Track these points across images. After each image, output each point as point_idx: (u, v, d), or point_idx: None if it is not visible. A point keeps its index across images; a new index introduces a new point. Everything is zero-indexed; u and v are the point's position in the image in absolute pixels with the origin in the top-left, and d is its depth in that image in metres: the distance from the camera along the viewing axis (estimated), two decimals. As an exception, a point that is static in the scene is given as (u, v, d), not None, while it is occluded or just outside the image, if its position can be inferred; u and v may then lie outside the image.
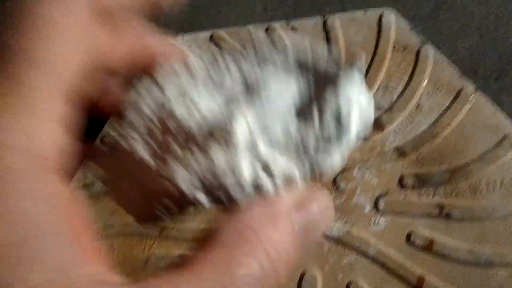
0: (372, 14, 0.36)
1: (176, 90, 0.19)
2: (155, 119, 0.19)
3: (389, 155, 0.32)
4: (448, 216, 0.30)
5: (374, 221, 0.30)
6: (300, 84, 0.19)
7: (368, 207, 0.30)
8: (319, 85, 0.19)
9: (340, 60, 0.19)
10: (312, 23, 0.36)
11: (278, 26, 0.36)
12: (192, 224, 0.31)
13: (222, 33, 0.36)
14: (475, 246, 0.29)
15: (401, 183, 0.31)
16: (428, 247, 0.29)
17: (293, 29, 0.36)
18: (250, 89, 0.19)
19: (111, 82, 0.19)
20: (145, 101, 0.19)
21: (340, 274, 0.29)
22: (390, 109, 0.33)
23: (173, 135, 0.18)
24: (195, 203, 0.18)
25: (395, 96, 0.34)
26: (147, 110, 0.19)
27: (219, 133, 0.17)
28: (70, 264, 0.12)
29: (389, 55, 0.35)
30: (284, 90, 0.19)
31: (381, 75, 0.34)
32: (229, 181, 0.17)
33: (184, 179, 0.18)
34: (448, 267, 0.29)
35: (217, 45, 0.36)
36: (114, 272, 0.13)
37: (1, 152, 0.13)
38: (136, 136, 0.18)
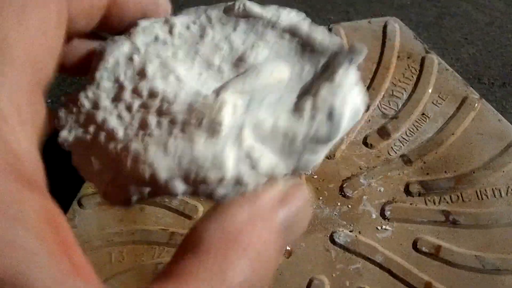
0: (377, 23, 0.36)
1: (158, 61, 0.18)
2: (130, 89, 0.17)
3: (395, 163, 0.32)
4: (454, 223, 0.30)
5: (381, 228, 0.30)
6: (298, 68, 0.18)
7: (374, 214, 0.31)
8: (321, 72, 0.17)
9: (342, 44, 0.17)
10: (317, 32, 0.36)
11: (284, 35, 0.36)
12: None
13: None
14: (481, 252, 0.29)
15: (407, 190, 0.31)
16: (435, 253, 0.29)
17: (299, 38, 0.36)
18: (241, 71, 0.18)
19: (76, 42, 0.17)
20: (120, 67, 0.18)
21: (347, 280, 0.29)
22: (395, 117, 0.33)
23: (152, 114, 0.17)
24: (171, 192, 0.16)
25: (400, 104, 0.34)
26: (122, 77, 0.17)
27: (207, 122, 0.16)
28: (62, 283, 0.11)
29: (393, 63, 0.35)
30: (277, 76, 0.18)
31: (386, 83, 0.34)
32: (212, 175, 0.16)
33: (164, 165, 0.16)
34: (455, 273, 0.29)
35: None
36: (105, 287, 0.12)
37: None
38: (108, 104, 0.17)
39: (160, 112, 0.16)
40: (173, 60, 0.18)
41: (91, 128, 0.17)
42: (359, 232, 0.30)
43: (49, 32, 0.14)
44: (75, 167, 0.17)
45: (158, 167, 0.16)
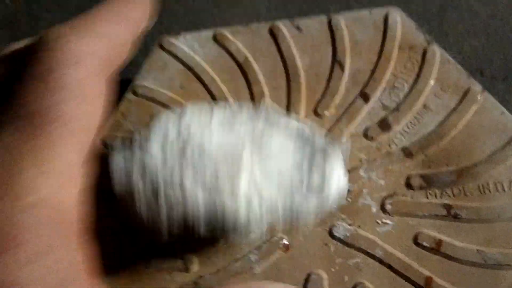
0: (378, 13, 0.36)
1: (199, 127, 0.22)
2: (174, 147, 0.21)
3: (395, 156, 0.31)
4: (456, 217, 0.29)
5: (381, 222, 0.30)
6: (296, 150, 0.23)
7: (375, 208, 0.30)
8: (312, 153, 0.23)
9: (331, 141, 0.24)
10: (317, 22, 0.36)
11: (282, 25, 0.36)
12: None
13: (225, 32, 0.36)
14: (483, 247, 0.29)
15: (408, 183, 0.31)
16: (436, 248, 0.29)
17: (298, 28, 0.36)
18: (256, 140, 0.23)
19: None
20: (169, 129, 0.22)
21: (346, 275, 0.29)
22: (396, 109, 0.33)
23: (188, 170, 0.21)
24: (195, 235, 0.22)
25: (402, 96, 0.33)
26: (171, 136, 0.21)
27: (227, 184, 0.21)
28: None
29: (395, 54, 0.34)
30: (284, 149, 0.23)
31: (387, 75, 0.34)
32: (229, 223, 0.21)
33: (192, 214, 0.21)
34: (456, 268, 0.28)
35: (221, 44, 0.36)
36: None
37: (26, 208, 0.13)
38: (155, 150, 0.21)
39: (193, 169, 0.21)
40: (206, 123, 0.22)
41: (138, 175, 0.22)
42: (359, 226, 0.30)
43: (97, 111, 0.17)
44: (120, 212, 0.23)
45: (188, 214, 0.21)
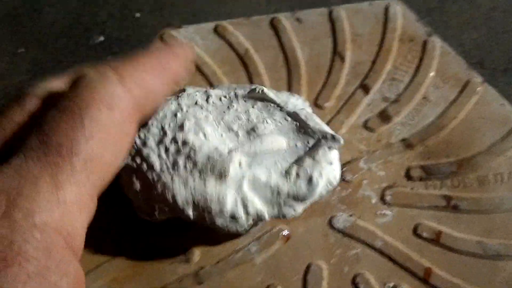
0: (378, 5, 0.36)
1: (194, 120, 0.23)
2: (170, 137, 0.22)
3: (395, 147, 0.31)
4: (455, 208, 0.30)
5: (381, 213, 0.30)
6: (292, 143, 0.24)
7: (374, 199, 0.30)
8: (308, 150, 0.24)
9: (328, 136, 0.24)
10: (318, 14, 0.36)
11: (283, 18, 0.36)
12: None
13: (226, 24, 0.36)
14: (483, 238, 0.29)
15: (408, 175, 0.31)
16: (436, 239, 0.29)
17: (298, 20, 0.36)
18: (251, 138, 0.24)
19: None
20: (166, 119, 0.23)
21: (346, 266, 0.29)
22: (396, 100, 0.33)
23: (182, 157, 0.22)
24: (183, 216, 0.23)
25: (402, 88, 0.33)
26: (166, 127, 0.23)
27: (218, 169, 0.22)
28: None
29: (395, 46, 0.34)
30: (276, 146, 0.24)
31: (388, 66, 0.34)
32: (214, 207, 0.22)
33: (182, 194, 0.22)
34: (456, 259, 0.28)
35: (222, 36, 0.36)
36: None
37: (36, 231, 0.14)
38: (153, 145, 0.22)
39: (187, 157, 0.22)
40: (204, 121, 0.23)
41: (138, 159, 0.23)
42: (359, 217, 0.30)
43: (120, 141, 0.18)
44: (121, 185, 0.24)
45: (178, 196, 0.22)
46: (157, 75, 0.20)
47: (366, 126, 0.32)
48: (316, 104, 0.33)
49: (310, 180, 0.23)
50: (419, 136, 0.32)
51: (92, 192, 0.16)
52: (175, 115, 0.24)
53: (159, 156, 0.22)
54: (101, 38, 0.42)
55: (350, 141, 0.32)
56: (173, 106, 0.24)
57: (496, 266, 0.28)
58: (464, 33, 0.39)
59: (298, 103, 0.26)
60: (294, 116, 0.25)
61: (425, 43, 0.34)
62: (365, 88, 0.33)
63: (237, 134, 0.24)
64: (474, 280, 0.28)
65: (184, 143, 0.23)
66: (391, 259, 0.29)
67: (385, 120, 0.32)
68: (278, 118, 0.25)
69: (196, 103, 0.24)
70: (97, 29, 0.43)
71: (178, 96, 0.25)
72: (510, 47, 0.39)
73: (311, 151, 0.24)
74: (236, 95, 0.25)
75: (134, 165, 0.23)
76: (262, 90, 0.25)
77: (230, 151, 0.23)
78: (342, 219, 0.30)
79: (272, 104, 0.25)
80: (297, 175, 0.23)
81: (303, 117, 0.25)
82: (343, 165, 0.31)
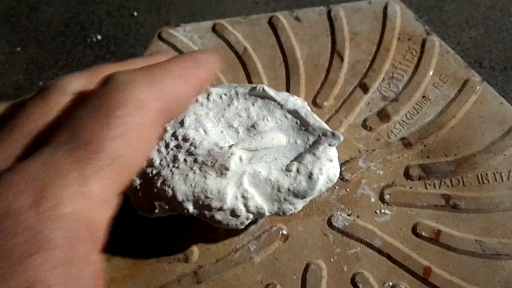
0: (377, 3, 0.35)
1: (194, 116, 0.23)
2: (170, 132, 0.22)
3: (394, 146, 0.31)
4: (454, 207, 0.29)
5: (380, 212, 0.30)
6: (292, 140, 0.24)
7: (373, 198, 0.30)
8: (309, 147, 0.24)
9: (328, 134, 0.24)
10: (316, 13, 0.36)
11: (282, 16, 0.36)
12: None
13: (225, 23, 0.36)
14: (482, 237, 0.29)
15: (407, 174, 0.31)
16: (435, 238, 0.29)
17: (297, 19, 0.36)
18: (251, 135, 0.24)
19: None
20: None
21: (345, 265, 0.29)
22: (395, 99, 0.33)
23: (182, 152, 0.22)
24: (183, 211, 0.23)
25: (401, 87, 0.33)
26: (166, 124, 0.23)
27: (218, 163, 0.22)
28: None
29: (394, 45, 0.34)
30: (276, 143, 0.24)
31: (386, 65, 0.34)
32: (214, 204, 0.22)
33: (182, 189, 0.22)
34: (455, 258, 0.28)
35: (220, 35, 0.35)
36: None
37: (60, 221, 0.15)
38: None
39: (187, 152, 0.22)
40: (205, 118, 0.23)
41: None
42: (358, 216, 0.30)
43: (146, 142, 0.18)
44: None
45: (178, 190, 0.22)
46: (183, 82, 0.20)
47: (365, 125, 0.32)
48: (315, 103, 0.33)
49: (310, 176, 0.23)
50: (418, 135, 0.32)
51: (115, 189, 0.17)
52: None
53: (159, 151, 0.22)
54: (99, 37, 0.42)
55: (349, 140, 0.32)
56: None
57: (495, 265, 0.28)
58: (463, 32, 0.39)
59: (298, 102, 0.26)
60: (294, 113, 0.25)
61: (424, 42, 0.34)
62: (364, 87, 0.33)
63: (237, 131, 0.24)
64: (473, 279, 0.28)
65: (184, 138, 0.22)
66: (390, 258, 0.29)
67: (384, 119, 0.32)
68: (278, 116, 0.25)
69: (196, 100, 0.24)
70: (94, 28, 0.43)
71: None
72: (509, 46, 0.39)
73: (312, 148, 0.24)
74: (236, 93, 0.25)
75: None
76: (263, 88, 0.25)
77: (230, 146, 0.23)
78: (341, 218, 0.30)
79: (272, 102, 0.25)
80: (298, 171, 0.23)
81: (303, 114, 0.25)
82: (342, 164, 0.31)
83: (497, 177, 0.30)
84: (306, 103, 0.26)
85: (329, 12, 0.35)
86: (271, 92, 0.25)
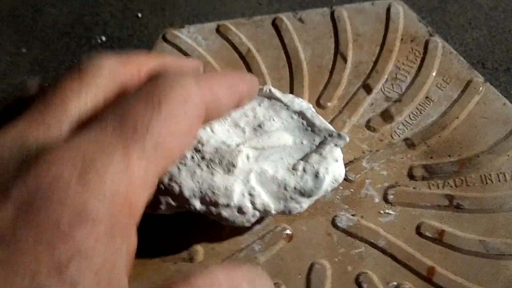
0: (380, 5, 0.36)
1: None
2: None
3: (398, 147, 0.32)
4: (458, 207, 0.30)
5: (384, 212, 0.30)
6: (298, 140, 0.24)
7: (377, 199, 0.30)
8: (315, 148, 0.24)
9: (333, 135, 0.25)
10: (320, 14, 0.36)
11: (285, 18, 0.36)
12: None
13: (228, 24, 0.36)
14: (486, 237, 0.29)
15: (410, 174, 0.31)
16: (439, 238, 0.29)
17: (300, 20, 0.36)
18: (257, 135, 0.24)
19: None
20: None
21: (349, 265, 0.29)
22: (399, 100, 0.33)
23: (190, 151, 0.22)
24: (190, 207, 0.23)
25: (404, 88, 0.33)
26: None
27: (226, 161, 0.22)
28: None
29: (397, 46, 0.35)
30: (282, 142, 0.24)
31: (389, 66, 0.34)
32: (221, 200, 0.22)
33: (189, 186, 0.22)
34: (459, 258, 0.28)
35: (224, 36, 0.36)
36: None
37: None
38: None
39: (195, 150, 0.22)
40: None
41: None
42: (362, 216, 0.30)
43: (186, 136, 0.19)
44: None
45: (185, 187, 0.22)
46: (226, 90, 0.21)
47: (368, 125, 0.32)
48: (319, 104, 0.33)
49: (316, 176, 0.24)
50: (421, 136, 0.32)
51: (155, 173, 0.17)
52: None
53: None
54: (103, 38, 0.43)
55: (352, 141, 0.32)
56: None
57: (499, 265, 0.28)
58: (466, 33, 0.40)
59: (303, 104, 0.26)
60: (300, 114, 0.25)
61: (427, 43, 0.34)
62: (367, 88, 0.33)
63: (243, 130, 0.24)
64: (477, 279, 0.28)
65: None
66: (394, 258, 0.29)
67: (388, 119, 0.32)
68: (284, 116, 0.25)
69: None
70: (99, 29, 0.43)
71: None
72: None
73: (318, 148, 0.24)
74: None
75: None
76: (269, 90, 0.25)
77: (238, 144, 0.23)
78: (345, 219, 0.30)
79: (278, 103, 0.25)
80: (304, 170, 0.24)
81: (309, 116, 0.25)
82: (346, 165, 0.31)
83: (501, 177, 0.30)
84: (311, 105, 0.27)
85: (332, 13, 0.36)
86: (277, 93, 0.26)
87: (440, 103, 0.33)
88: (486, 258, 0.28)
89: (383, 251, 0.29)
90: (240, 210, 0.23)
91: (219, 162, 0.22)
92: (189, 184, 0.22)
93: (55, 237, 0.14)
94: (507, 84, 0.37)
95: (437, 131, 0.32)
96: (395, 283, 0.28)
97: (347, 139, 0.24)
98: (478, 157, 0.31)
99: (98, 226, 0.15)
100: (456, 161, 0.31)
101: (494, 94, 0.32)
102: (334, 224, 0.30)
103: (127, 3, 0.44)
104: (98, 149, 0.16)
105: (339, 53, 0.35)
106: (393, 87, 0.33)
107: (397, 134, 0.32)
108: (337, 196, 0.30)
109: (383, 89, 0.33)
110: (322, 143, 0.24)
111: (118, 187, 0.15)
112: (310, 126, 0.25)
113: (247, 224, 0.24)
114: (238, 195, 0.23)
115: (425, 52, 0.34)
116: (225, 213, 0.23)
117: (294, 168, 0.24)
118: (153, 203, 0.24)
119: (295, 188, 0.23)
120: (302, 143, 0.25)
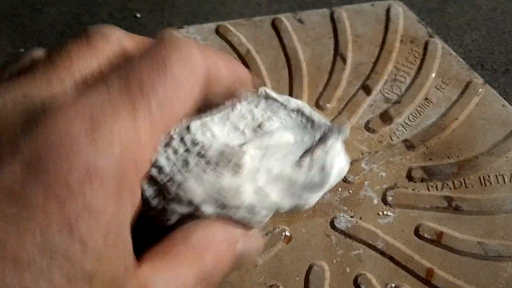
0: (380, 6, 0.36)
1: (200, 122, 0.23)
2: (178, 139, 0.22)
3: (397, 148, 0.32)
4: (457, 209, 0.30)
5: (382, 214, 0.30)
6: (299, 137, 0.24)
7: (376, 200, 0.30)
8: (317, 142, 0.24)
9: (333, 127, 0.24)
10: (319, 15, 0.36)
11: (285, 18, 0.36)
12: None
13: (228, 25, 0.36)
14: (484, 239, 0.29)
15: (409, 176, 0.31)
16: (437, 240, 0.29)
17: (300, 21, 0.36)
18: (258, 136, 0.23)
19: None
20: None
21: (348, 267, 0.29)
22: (398, 101, 0.33)
23: (192, 156, 0.22)
24: (202, 214, 0.22)
25: (403, 89, 0.33)
26: (172, 131, 0.22)
27: (233, 162, 0.22)
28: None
29: (396, 47, 0.35)
30: (284, 140, 0.24)
31: (389, 67, 0.34)
32: (232, 201, 0.22)
33: (198, 192, 0.22)
34: (457, 260, 0.28)
35: (223, 37, 0.36)
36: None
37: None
38: (160, 149, 0.22)
39: (199, 155, 0.22)
40: (210, 123, 0.23)
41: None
42: (360, 218, 0.30)
43: (189, 99, 0.19)
44: None
45: (194, 193, 0.21)
46: (226, 63, 0.21)
47: (367, 127, 0.32)
48: (318, 105, 0.33)
49: (323, 169, 0.24)
50: (420, 137, 0.32)
51: (159, 133, 0.18)
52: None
53: (168, 158, 0.22)
54: (102, 38, 0.42)
55: (351, 142, 0.32)
56: None
57: (497, 267, 0.28)
58: (465, 34, 0.40)
59: (299, 102, 0.26)
60: (298, 112, 0.25)
61: (426, 44, 0.34)
62: (366, 89, 0.33)
63: (243, 133, 0.24)
64: (476, 280, 0.28)
65: (193, 143, 0.22)
66: (392, 259, 0.29)
67: (387, 121, 0.32)
68: (282, 116, 0.25)
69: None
70: (97, 29, 0.43)
71: None
72: (511, 48, 0.39)
73: (320, 142, 0.24)
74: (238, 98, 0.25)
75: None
76: (265, 91, 0.25)
77: (241, 146, 0.23)
78: (343, 220, 0.30)
79: (275, 103, 0.26)
80: (310, 165, 0.24)
81: (307, 113, 0.25)
82: (344, 166, 0.31)
83: (499, 179, 0.30)
84: (306, 104, 0.27)
85: (332, 14, 0.36)
86: (273, 94, 0.26)
87: (439, 105, 0.33)
88: (484, 260, 0.28)
89: (381, 252, 0.29)
90: (251, 210, 0.23)
91: (225, 164, 0.22)
92: (197, 190, 0.22)
93: (65, 194, 0.14)
94: (506, 86, 0.37)
95: (436, 132, 0.32)
96: (393, 284, 0.28)
97: (348, 131, 0.24)
98: (477, 158, 0.31)
99: (107, 183, 0.15)
100: (455, 162, 0.31)
101: (493, 96, 0.32)
102: (332, 225, 0.30)
103: (126, 3, 0.44)
104: (105, 107, 0.16)
105: (338, 54, 0.35)
106: (392, 89, 0.33)
107: (396, 136, 0.32)
108: (336, 198, 0.30)
109: (382, 91, 0.33)
110: (323, 138, 0.25)
111: (126, 144, 0.16)
112: (309, 123, 0.25)
113: (260, 225, 0.24)
114: (248, 196, 0.22)
115: (424, 53, 0.34)
116: (237, 215, 0.23)
117: (300, 164, 0.23)
118: (163, 215, 0.24)
119: (303, 183, 0.23)
120: (303, 140, 0.25)
